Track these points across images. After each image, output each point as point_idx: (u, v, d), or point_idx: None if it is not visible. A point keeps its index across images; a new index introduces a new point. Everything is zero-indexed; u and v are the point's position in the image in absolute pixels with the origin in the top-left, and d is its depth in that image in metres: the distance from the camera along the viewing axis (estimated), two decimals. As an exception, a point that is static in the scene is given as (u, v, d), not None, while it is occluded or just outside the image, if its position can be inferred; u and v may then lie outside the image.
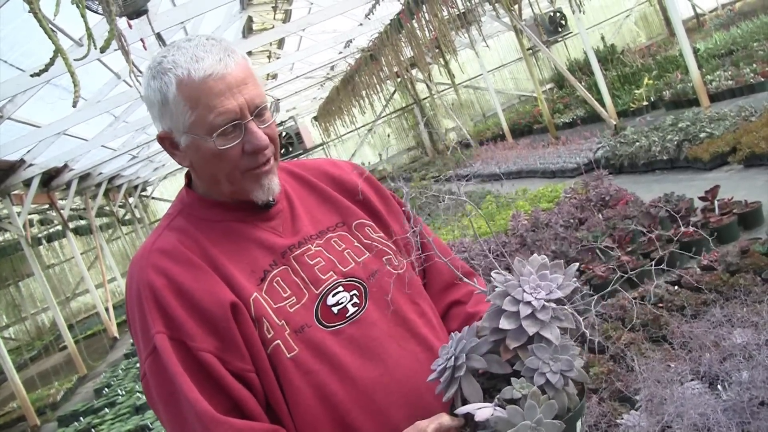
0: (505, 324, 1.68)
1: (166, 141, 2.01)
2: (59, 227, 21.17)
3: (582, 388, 1.74)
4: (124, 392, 11.13)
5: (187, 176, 2.13)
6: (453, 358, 1.74)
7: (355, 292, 2.01)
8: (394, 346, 1.98)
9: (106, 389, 12.16)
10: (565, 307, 1.73)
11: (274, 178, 2.01)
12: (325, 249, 2.06)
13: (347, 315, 1.98)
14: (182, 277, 1.90)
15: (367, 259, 2.08)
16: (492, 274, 1.79)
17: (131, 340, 16.48)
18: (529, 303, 1.68)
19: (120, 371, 13.12)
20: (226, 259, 1.96)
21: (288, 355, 1.88)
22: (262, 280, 1.96)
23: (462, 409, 1.69)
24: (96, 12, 5.00)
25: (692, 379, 3.80)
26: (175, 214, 2.09)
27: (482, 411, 1.64)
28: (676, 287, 5.53)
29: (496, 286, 1.75)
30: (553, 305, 1.70)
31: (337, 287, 2.00)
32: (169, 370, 1.82)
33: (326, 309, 1.97)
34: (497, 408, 1.64)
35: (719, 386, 3.66)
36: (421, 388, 1.92)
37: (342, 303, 1.99)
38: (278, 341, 1.89)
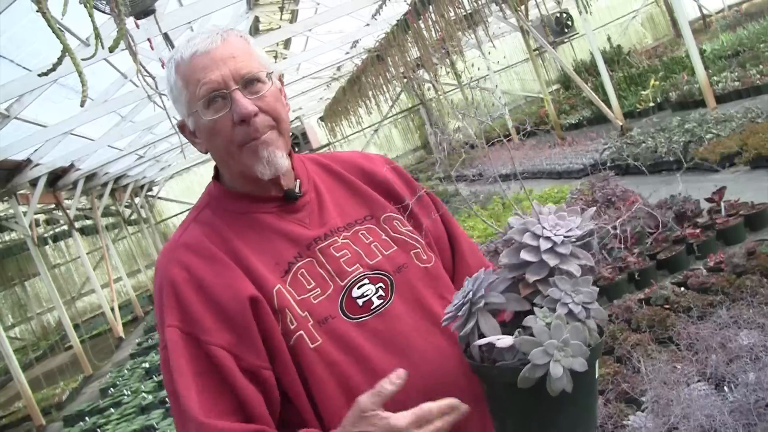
0: (525, 256, 1.67)
1: (185, 129, 2.07)
2: (65, 227, 21.17)
3: (600, 329, 1.72)
4: (129, 392, 11.12)
5: (216, 168, 2.16)
6: (470, 293, 1.73)
7: (381, 285, 2.01)
8: (419, 339, 1.97)
9: (111, 389, 12.14)
10: (591, 237, 1.73)
11: (276, 151, 1.99)
12: (352, 241, 2.06)
13: (372, 307, 1.98)
14: (203, 272, 1.92)
15: (395, 253, 2.07)
16: (509, 219, 1.78)
17: (137, 340, 16.62)
18: (548, 238, 1.68)
19: (125, 371, 13.10)
20: (250, 251, 1.97)
21: (311, 346, 1.89)
22: (287, 273, 1.97)
23: (482, 340, 1.68)
24: (104, 12, 5.00)
25: (699, 381, 3.81)
26: (202, 206, 2.12)
27: (504, 340, 1.64)
28: (682, 288, 5.53)
29: (513, 226, 1.74)
30: (573, 241, 1.70)
31: (362, 279, 2.00)
32: (172, 365, 1.85)
33: (351, 301, 1.97)
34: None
35: (726, 388, 3.66)
36: (446, 383, 1.91)
37: (367, 295, 1.98)
38: (301, 332, 1.89)
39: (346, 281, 1.98)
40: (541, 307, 1.64)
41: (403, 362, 1.90)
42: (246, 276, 1.92)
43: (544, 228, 1.69)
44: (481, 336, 1.70)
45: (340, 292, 1.97)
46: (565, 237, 1.69)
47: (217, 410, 1.80)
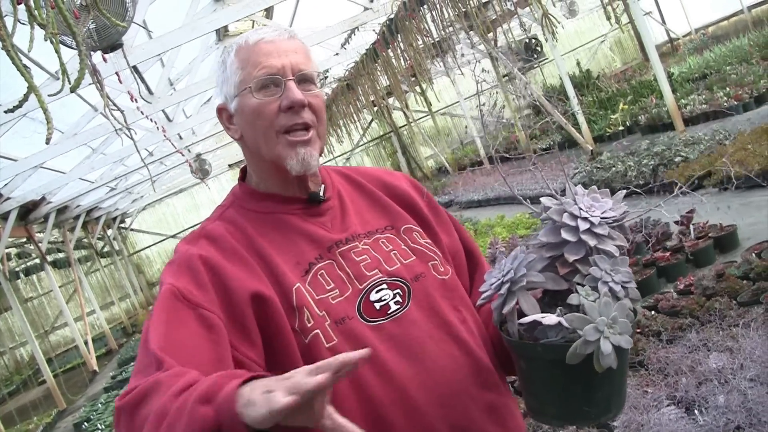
0: (566, 236, 1.73)
1: (223, 113, 2.14)
2: (37, 260, 21.04)
3: (633, 310, 1.75)
4: (103, 426, 11.04)
5: (242, 171, 2.23)
6: (511, 271, 1.77)
7: (398, 291, 2.04)
8: (433, 346, 1.99)
9: (85, 424, 12.04)
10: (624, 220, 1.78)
11: (312, 151, 2.06)
12: (372, 248, 2.10)
13: (389, 312, 2.00)
14: (219, 259, 1.96)
15: (413, 262, 2.11)
16: (542, 199, 1.86)
17: (111, 373, 16.46)
18: (586, 219, 1.74)
19: (99, 405, 12.99)
20: (272, 249, 2.01)
21: (326, 345, 1.90)
22: (307, 272, 2.00)
23: (527, 318, 1.71)
24: (71, 47, 5.00)
25: (669, 405, 3.83)
26: (227, 206, 2.17)
27: (549, 317, 1.67)
28: (653, 312, 5.56)
29: (549, 206, 1.81)
30: (608, 221, 1.76)
31: (381, 284, 2.03)
32: (153, 314, 1.87)
33: (369, 304, 2.00)
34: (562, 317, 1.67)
35: (696, 411, 3.68)
36: (457, 390, 1.95)
37: (385, 300, 2.01)
38: (317, 331, 1.91)
39: (364, 285, 2.02)
40: (583, 286, 1.68)
41: (416, 367, 1.95)
42: (266, 273, 1.96)
43: (581, 209, 1.76)
44: (521, 315, 1.74)
45: (359, 295, 2.00)
46: (602, 218, 1.75)
47: (185, 359, 1.75)
